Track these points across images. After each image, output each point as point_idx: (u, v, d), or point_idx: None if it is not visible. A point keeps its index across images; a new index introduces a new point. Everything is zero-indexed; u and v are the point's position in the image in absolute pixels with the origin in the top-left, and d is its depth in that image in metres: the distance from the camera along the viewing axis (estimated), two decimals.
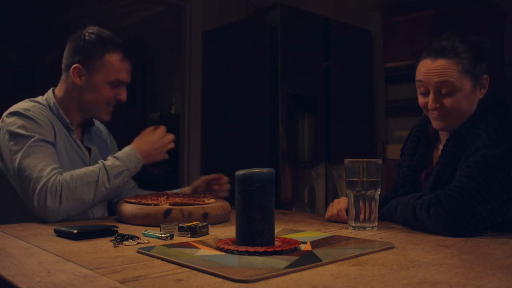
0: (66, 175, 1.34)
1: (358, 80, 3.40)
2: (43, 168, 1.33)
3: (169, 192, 1.59)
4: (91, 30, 1.54)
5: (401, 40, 3.21)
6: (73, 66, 1.51)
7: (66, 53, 1.55)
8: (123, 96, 1.57)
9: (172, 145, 1.56)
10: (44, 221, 1.31)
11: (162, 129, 1.55)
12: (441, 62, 1.25)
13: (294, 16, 2.98)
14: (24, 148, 1.35)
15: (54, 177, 1.32)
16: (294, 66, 2.93)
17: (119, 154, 1.45)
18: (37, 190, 1.30)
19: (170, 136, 1.56)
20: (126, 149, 1.47)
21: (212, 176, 1.68)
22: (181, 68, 3.61)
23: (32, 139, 1.37)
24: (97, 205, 1.44)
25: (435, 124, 1.32)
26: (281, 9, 2.88)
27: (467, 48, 1.26)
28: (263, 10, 3.13)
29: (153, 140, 1.52)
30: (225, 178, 1.68)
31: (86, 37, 1.52)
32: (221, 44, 3.42)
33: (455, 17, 2.98)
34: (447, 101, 1.26)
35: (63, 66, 1.56)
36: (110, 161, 1.42)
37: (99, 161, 1.42)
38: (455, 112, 1.26)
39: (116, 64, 1.52)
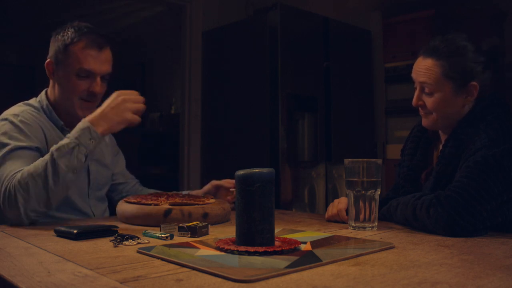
0: (18, 173, 1.24)
1: (358, 80, 3.40)
2: (8, 174, 1.27)
3: (169, 192, 1.59)
4: (68, 25, 1.48)
5: (401, 40, 3.21)
6: (46, 62, 1.49)
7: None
8: (95, 87, 1.45)
9: (140, 106, 1.36)
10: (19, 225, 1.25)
11: (124, 92, 1.37)
12: (428, 62, 1.28)
13: (294, 16, 2.98)
14: (5, 155, 1.32)
15: (10, 181, 1.24)
16: (294, 66, 2.93)
17: (72, 133, 1.30)
18: (1, 200, 1.25)
19: (132, 95, 1.37)
20: (78, 123, 1.32)
21: (222, 182, 1.64)
22: (181, 68, 3.61)
23: (7, 148, 1.33)
24: (62, 198, 1.31)
25: (422, 121, 1.37)
26: (281, 9, 2.88)
27: (459, 53, 1.25)
28: (263, 10, 3.13)
29: (108, 102, 1.33)
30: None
31: (60, 32, 1.48)
32: (221, 44, 3.42)
33: (455, 17, 2.98)
34: (427, 100, 1.30)
35: None
36: (60, 142, 1.28)
37: (52, 153, 1.27)
38: (436, 112, 1.29)
39: (78, 53, 1.42)
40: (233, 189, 1.60)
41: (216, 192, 1.64)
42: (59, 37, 1.47)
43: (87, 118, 1.32)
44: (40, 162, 1.26)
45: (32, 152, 1.37)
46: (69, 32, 1.46)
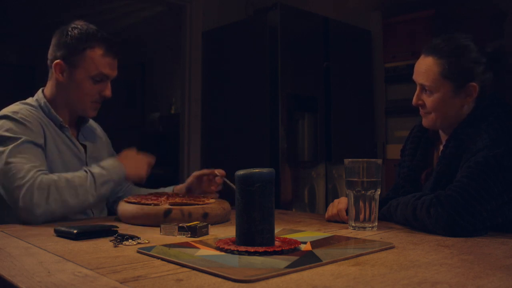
0: (53, 175, 1.32)
1: (358, 80, 3.40)
2: (30, 168, 1.31)
3: (166, 192, 1.59)
4: (74, 25, 1.51)
5: (401, 40, 3.21)
6: (55, 62, 1.49)
7: (50, 49, 1.53)
8: (107, 92, 1.54)
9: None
10: (26, 222, 1.28)
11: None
12: (427, 60, 1.28)
13: (294, 16, 2.98)
14: (10, 148, 1.33)
15: (41, 176, 1.30)
16: (294, 66, 2.93)
17: (105, 163, 1.44)
18: (23, 189, 1.27)
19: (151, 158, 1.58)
20: (111, 161, 1.47)
21: (203, 171, 1.66)
22: (181, 68, 3.61)
23: (20, 140, 1.35)
24: (81, 211, 1.44)
25: (422, 121, 1.37)
26: (281, 9, 2.88)
27: (459, 52, 1.25)
28: (263, 10, 3.13)
29: (135, 157, 1.55)
30: (218, 171, 1.63)
31: (69, 32, 1.49)
32: (221, 44, 3.42)
33: (455, 17, 2.98)
34: (426, 100, 1.30)
35: (48, 62, 1.54)
36: (96, 169, 1.40)
37: (85, 168, 1.40)
38: (435, 112, 1.29)
39: (97, 60, 1.49)
40: (218, 177, 1.61)
41: (199, 183, 1.65)
42: (71, 39, 1.48)
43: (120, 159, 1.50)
44: (76, 176, 1.35)
45: (40, 149, 1.40)
46: (83, 35, 1.48)
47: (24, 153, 1.34)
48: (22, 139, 1.35)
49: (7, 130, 1.37)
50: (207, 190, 1.63)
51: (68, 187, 1.32)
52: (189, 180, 1.67)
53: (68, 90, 1.51)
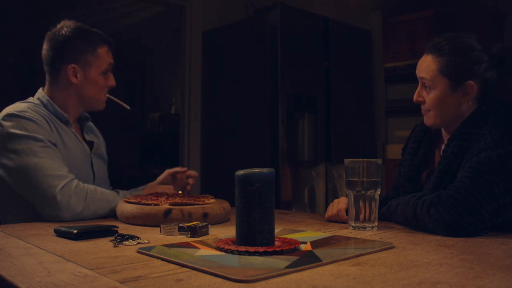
0: (90, 185, 1.41)
1: (358, 80, 3.40)
2: (61, 168, 1.36)
3: (169, 192, 1.59)
4: (72, 26, 1.54)
5: (401, 40, 3.21)
6: (69, 66, 1.51)
7: (50, 52, 1.53)
8: (113, 81, 1.63)
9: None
10: (52, 219, 1.33)
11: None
12: (428, 58, 1.31)
13: (294, 16, 2.98)
14: (30, 146, 1.35)
15: (76, 181, 1.37)
16: (294, 66, 2.93)
17: (135, 192, 1.57)
18: (59, 188, 1.32)
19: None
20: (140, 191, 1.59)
21: (175, 169, 1.73)
22: (181, 68, 3.62)
23: (41, 140, 1.37)
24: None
25: (424, 120, 1.37)
26: (281, 9, 2.88)
27: (459, 51, 1.25)
28: (263, 10, 3.13)
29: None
30: (191, 173, 1.74)
31: (70, 34, 1.52)
32: (221, 44, 3.42)
33: (455, 17, 2.98)
34: (426, 97, 1.31)
35: (47, 66, 1.55)
36: (126, 192, 1.52)
37: (117, 191, 1.50)
38: (434, 110, 1.30)
39: (106, 55, 1.59)
40: (190, 178, 1.71)
41: (173, 180, 1.72)
42: (80, 41, 1.52)
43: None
44: (110, 192, 1.45)
45: (55, 147, 1.42)
46: (89, 36, 1.55)
47: (49, 153, 1.37)
48: (42, 138, 1.38)
49: (20, 129, 1.37)
50: (178, 188, 1.70)
51: (102, 199, 1.40)
52: (162, 176, 1.72)
53: (83, 89, 1.55)
